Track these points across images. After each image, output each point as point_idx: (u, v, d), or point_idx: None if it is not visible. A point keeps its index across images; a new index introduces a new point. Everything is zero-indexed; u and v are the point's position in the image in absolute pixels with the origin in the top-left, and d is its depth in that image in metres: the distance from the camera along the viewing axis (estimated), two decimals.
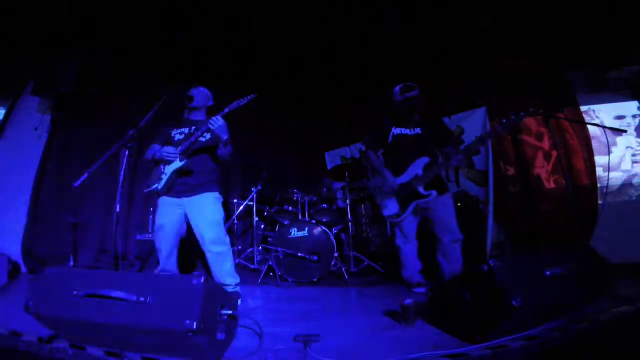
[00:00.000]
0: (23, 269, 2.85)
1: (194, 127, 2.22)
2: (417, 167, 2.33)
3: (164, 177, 2.12)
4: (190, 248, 2.39)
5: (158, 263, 2.21)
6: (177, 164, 2.11)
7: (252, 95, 2.02)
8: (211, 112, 2.22)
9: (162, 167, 2.16)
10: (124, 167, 1.96)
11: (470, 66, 3.73)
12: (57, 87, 3.01)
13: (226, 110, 2.04)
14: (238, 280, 2.23)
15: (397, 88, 2.44)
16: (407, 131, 2.43)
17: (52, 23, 2.88)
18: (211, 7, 2.84)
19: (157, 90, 3.56)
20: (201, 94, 2.33)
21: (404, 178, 2.37)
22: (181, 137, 2.22)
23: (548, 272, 1.34)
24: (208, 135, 2.16)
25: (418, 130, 2.42)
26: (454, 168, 2.43)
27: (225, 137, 2.07)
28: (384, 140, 2.48)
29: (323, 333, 1.42)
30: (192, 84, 2.38)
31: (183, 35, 3.15)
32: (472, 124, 3.69)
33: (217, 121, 2.01)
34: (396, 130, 2.45)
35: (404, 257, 2.49)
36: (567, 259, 1.45)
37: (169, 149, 2.11)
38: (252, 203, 3.54)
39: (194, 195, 2.15)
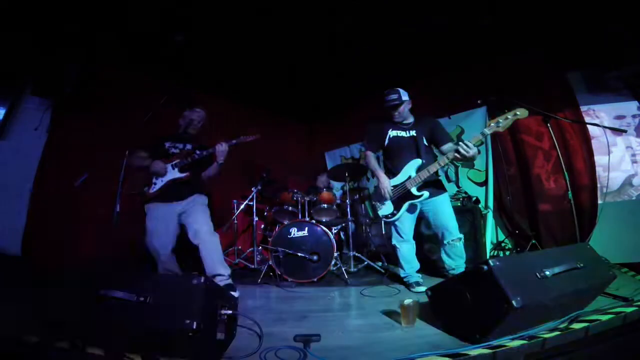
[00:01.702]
0: (23, 269, 2.85)
1: (189, 146, 2.45)
2: (410, 169, 2.38)
3: (158, 184, 2.28)
4: (186, 248, 2.43)
5: (157, 264, 2.26)
6: (174, 174, 2.29)
7: (257, 136, 2.38)
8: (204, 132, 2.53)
9: (154, 177, 2.31)
10: (124, 167, 1.97)
11: (470, 66, 3.74)
12: (57, 88, 3.01)
13: (234, 142, 2.35)
14: (229, 271, 2.31)
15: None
16: (403, 133, 2.49)
17: (53, 23, 2.88)
18: (211, 7, 2.84)
19: (156, 91, 3.59)
20: (198, 115, 2.55)
21: (398, 179, 2.42)
22: (176, 151, 2.42)
23: (548, 272, 1.34)
24: (204, 153, 2.37)
25: (413, 132, 2.48)
26: (453, 163, 2.49)
27: (221, 161, 2.36)
28: (380, 141, 2.54)
29: (323, 333, 1.42)
30: (192, 83, 2.41)
31: (183, 35, 3.14)
32: (472, 124, 3.69)
33: (222, 147, 2.31)
34: (392, 133, 2.50)
35: (401, 257, 2.53)
36: (567, 259, 1.45)
37: (163, 165, 2.29)
38: (252, 203, 3.54)
39: (185, 198, 2.33)
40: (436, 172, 2.45)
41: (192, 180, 2.37)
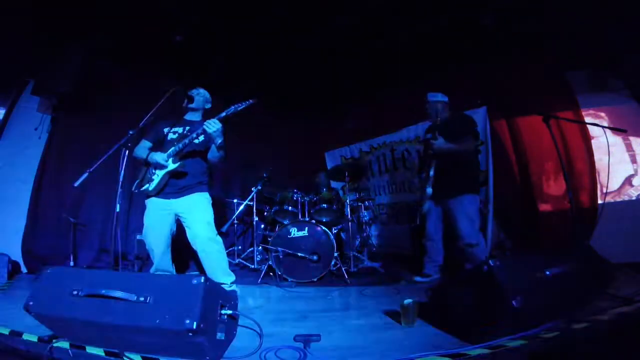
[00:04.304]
0: (23, 269, 2.86)
1: (188, 128, 2.20)
2: (431, 170, 2.57)
3: (156, 179, 2.12)
4: (183, 248, 2.39)
5: (152, 262, 2.21)
6: (170, 166, 2.10)
7: (251, 101, 2.00)
8: (208, 114, 2.21)
9: (153, 168, 2.15)
10: (124, 167, 1.96)
11: (471, 66, 3.73)
12: (57, 87, 3.00)
13: (223, 114, 2.03)
14: (233, 278, 2.23)
15: None
16: (430, 136, 2.67)
17: (53, 23, 2.88)
18: (211, 7, 2.84)
19: (156, 90, 3.58)
20: (200, 96, 2.33)
21: (427, 179, 2.61)
22: (174, 136, 2.21)
23: (548, 272, 1.34)
24: (202, 138, 2.14)
25: (437, 133, 2.60)
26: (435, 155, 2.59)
27: (219, 141, 2.04)
28: (424, 146, 2.82)
29: (323, 333, 1.42)
30: (192, 84, 2.39)
31: (183, 35, 3.14)
32: None
33: (214, 124, 1.97)
34: (428, 136, 2.71)
35: (425, 253, 2.71)
36: (567, 259, 1.45)
37: (160, 155, 2.09)
38: (252, 203, 3.53)
39: (184, 195, 2.14)
40: (456, 173, 2.53)
41: (190, 173, 2.15)
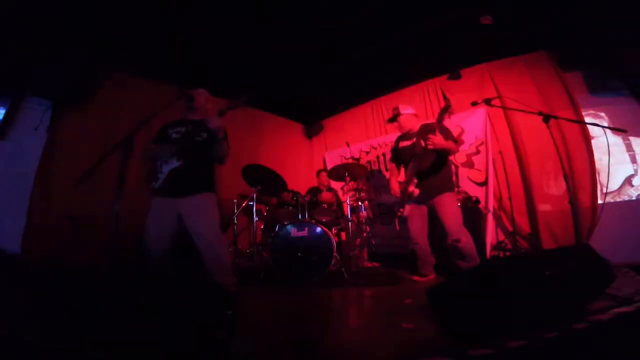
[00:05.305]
0: (22, 269, 2.85)
1: (190, 127, 2.21)
2: (409, 172, 2.67)
3: (161, 177, 2.12)
4: (185, 249, 2.38)
5: (151, 264, 2.17)
6: (173, 164, 2.11)
7: (251, 95, 2.05)
8: (209, 113, 2.23)
9: (160, 167, 2.15)
10: (123, 166, 1.95)
11: (470, 66, 3.74)
12: (57, 87, 3.00)
13: (223, 110, 2.07)
14: (234, 279, 2.22)
15: None
16: (406, 141, 2.79)
17: (53, 22, 2.88)
18: (211, 7, 2.84)
19: (156, 90, 3.59)
20: (201, 95, 2.34)
21: (404, 182, 2.72)
22: (177, 135, 2.21)
23: (548, 272, 1.34)
24: (205, 135, 2.16)
25: (413, 138, 2.69)
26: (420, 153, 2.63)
27: (221, 137, 2.09)
28: (395, 153, 2.92)
29: (322, 333, 1.42)
30: (192, 84, 2.39)
31: (183, 35, 3.14)
32: (472, 124, 3.69)
33: (214, 121, 2.03)
34: (401, 143, 2.85)
35: (416, 254, 2.76)
36: (567, 259, 1.44)
37: (164, 148, 2.12)
38: (252, 203, 3.53)
39: (189, 195, 2.14)
40: (437, 173, 2.59)
41: (193, 171, 2.14)
